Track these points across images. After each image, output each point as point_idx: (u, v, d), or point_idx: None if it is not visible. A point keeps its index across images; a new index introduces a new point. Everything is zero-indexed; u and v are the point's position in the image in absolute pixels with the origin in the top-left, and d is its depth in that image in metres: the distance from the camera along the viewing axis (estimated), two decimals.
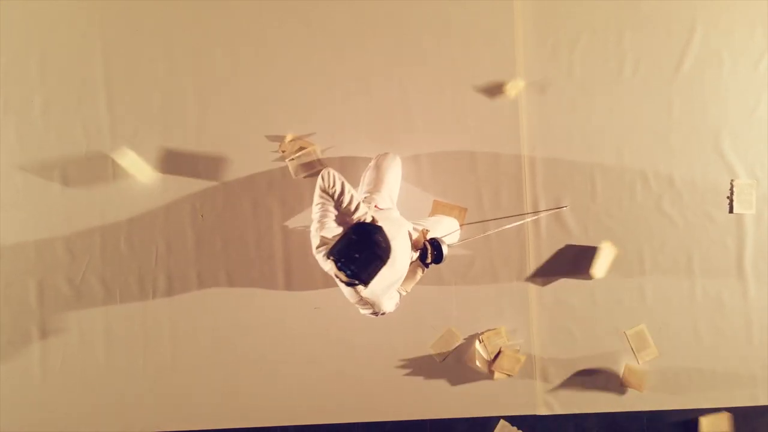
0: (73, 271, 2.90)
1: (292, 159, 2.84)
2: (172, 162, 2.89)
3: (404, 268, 2.14)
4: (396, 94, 2.88)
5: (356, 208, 2.12)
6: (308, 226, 2.82)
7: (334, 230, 2.07)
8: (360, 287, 1.98)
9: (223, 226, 2.89)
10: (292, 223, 2.89)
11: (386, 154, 2.67)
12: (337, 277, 1.90)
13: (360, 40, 2.88)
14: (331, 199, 2.12)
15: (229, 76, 2.88)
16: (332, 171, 2.13)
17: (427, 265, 2.22)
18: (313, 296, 2.89)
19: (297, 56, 2.88)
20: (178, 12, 2.88)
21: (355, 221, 2.09)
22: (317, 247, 2.10)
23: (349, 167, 2.85)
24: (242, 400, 2.94)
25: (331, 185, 2.11)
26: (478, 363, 2.89)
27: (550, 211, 2.86)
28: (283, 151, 2.84)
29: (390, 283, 2.09)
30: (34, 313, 2.90)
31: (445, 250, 2.19)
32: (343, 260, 1.80)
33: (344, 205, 2.11)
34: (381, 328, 2.90)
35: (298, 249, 2.88)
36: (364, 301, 2.06)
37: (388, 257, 1.87)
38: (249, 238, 2.89)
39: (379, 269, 1.86)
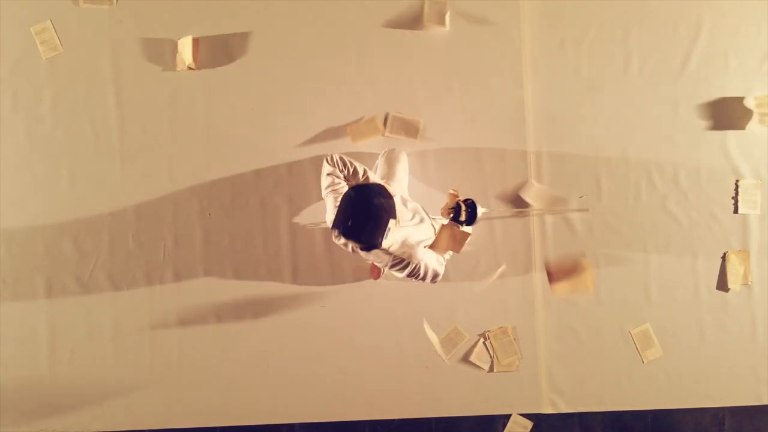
0: (81, 268, 2.90)
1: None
2: (180, 159, 2.90)
3: (424, 235, 2.14)
4: (404, 91, 2.89)
5: (364, 174, 2.14)
6: (316, 224, 2.87)
7: None
8: (386, 244, 1.90)
9: (230, 224, 2.90)
10: (299, 220, 2.90)
11: (393, 149, 2.69)
12: (353, 249, 1.87)
13: (368, 37, 2.89)
14: (342, 180, 2.12)
15: (236, 74, 2.89)
16: (336, 155, 2.15)
17: (461, 224, 2.18)
18: (320, 294, 2.90)
19: (305, 54, 2.89)
20: (186, 9, 2.88)
21: None
22: (336, 238, 2.10)
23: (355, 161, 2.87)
24: (248, 397, 2.94)
25: (342, 167, 2.13)
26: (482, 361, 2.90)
27: (568, 210, 2.86)
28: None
29: (414, 240, 2.04)
30: (42, 310, 2.91)
31: (479, 211, 2.16)
32: (343, 230, 1.74)
33: (360, 177, 2.11)
34: (387, 327, 2.91)
35: (305, 247, 2.89)
36: (398, 260, 1.97)
37: (394, 212, 1.79)
38: (256, 236, 2.90)
39: (386, 226, 1.76)
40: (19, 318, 2.91)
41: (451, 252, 2.22)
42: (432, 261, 2.09)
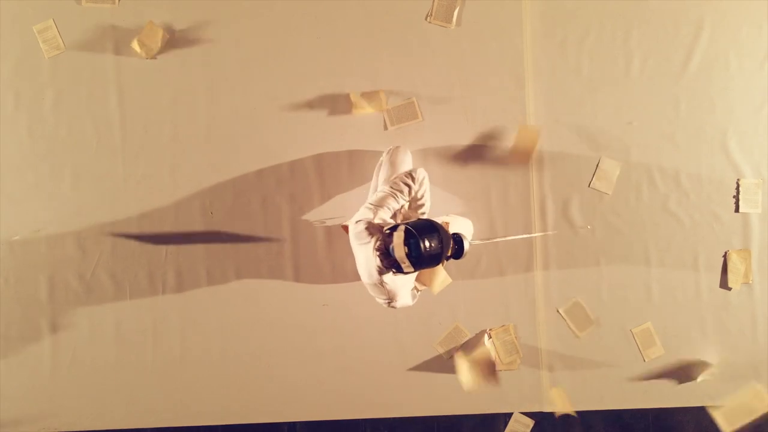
0: (83, 267, 2.91)
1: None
2: (182, 158, 2.90)
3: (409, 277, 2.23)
4: (405, 91, 2.89)
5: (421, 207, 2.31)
6: (322, 221, 2.87)
7: (386, 218, 2.17)
8: (384, 276, 2.02)
9: (232, 223, 2.91)
10: (300, 221, 2.91)
11: (397, 148, 2.69)
12: (386, 251, 1.95)
13: (369, 37, 2.90)
14: (407, 195, 2.25)
15: (238, 73, 2.90)
16: (423, 173, 2.30)
17: (447, 258, 2.21)
18: (321, 292, 2.91)
19: (307, 52, 2.90)
20: (187, 8, 2.89)
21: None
22: (358, 221, 2.16)
23: (357, 160, 2.88)
24: (250, 396, 2.95)
25: (417, 189, 2.28)
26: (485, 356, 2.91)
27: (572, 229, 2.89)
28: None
29: (405, 280, 2.11)
30: (44, 309, 2.91)
31: (466, 245, 2.19)
32: (417, 238, 1.88)
33: (420, 204, 2.29)
34: (388, 325, 2.91)
35: (307, 246, 2.90)
36: (382, 288, 2.08)
37: (439, 264, 1.99)
38: (258, 235, 2.91)
39: (429, 267, 1.96)
40: (21, 317, 2.91)
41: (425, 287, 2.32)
42: (406, 297, 2.26)
